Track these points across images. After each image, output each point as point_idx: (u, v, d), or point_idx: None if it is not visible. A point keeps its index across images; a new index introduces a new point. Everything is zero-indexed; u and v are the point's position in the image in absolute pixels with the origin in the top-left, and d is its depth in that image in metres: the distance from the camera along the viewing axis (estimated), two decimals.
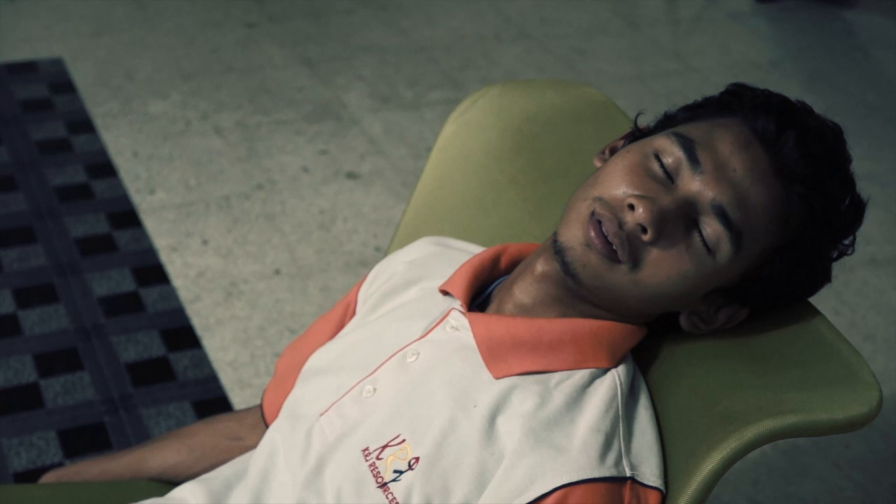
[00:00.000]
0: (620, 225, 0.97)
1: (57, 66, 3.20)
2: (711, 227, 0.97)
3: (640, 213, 0.95)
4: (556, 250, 1.01)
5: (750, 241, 0.98)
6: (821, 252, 1.03)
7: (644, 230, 0.96)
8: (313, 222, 2.62)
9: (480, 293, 1.12)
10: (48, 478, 1.37)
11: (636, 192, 0.98)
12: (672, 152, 0.99)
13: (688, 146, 0.99)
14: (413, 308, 1.12)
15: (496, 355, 1.02)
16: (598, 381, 1.01)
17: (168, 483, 1.27)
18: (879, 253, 2.75)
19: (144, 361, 2.17)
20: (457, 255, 1.19)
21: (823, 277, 1.05)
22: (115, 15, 3.52)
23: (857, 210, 1.03)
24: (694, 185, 0.98)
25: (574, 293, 1.03)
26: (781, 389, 0.98)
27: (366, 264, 2.47)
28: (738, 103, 1.02)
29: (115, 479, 1.32)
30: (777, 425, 0.93)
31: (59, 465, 1.93)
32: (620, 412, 0.99)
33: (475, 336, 1.03)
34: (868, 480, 2.09)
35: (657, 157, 0.99)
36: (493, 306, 1.09)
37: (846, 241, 1.04)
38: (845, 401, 0.94)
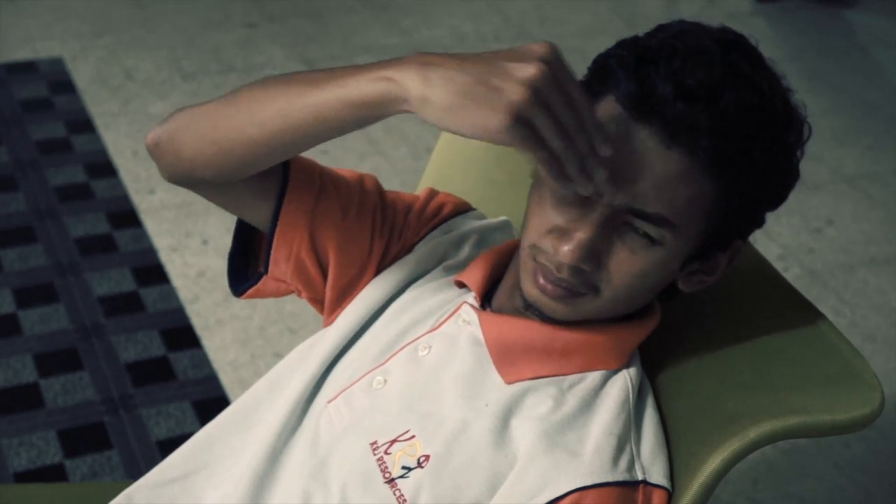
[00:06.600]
0: (559, 268, 0.95)
1: (57, 66, 3.20)
2: (639, 224, 0.93)
3: (567, 254, 0.93)
4: (526, 305, 1.01)
5: (681, 215, 0.93)
6: (773, 169, 0.95)
7: (581, 267, 0.94)
8: None
9: (496, 283, 1.10)
10: None
11: (557, 229, 0.95)
12: None
13: None
14: (428, 297, 1.11)
15: (507, 359, 1.01)
16: (609, 384, 1.01)
17: None
18: (879, 253, 2.74)
19: (144, 361, 2.16)
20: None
21: (792, 178, 0.98)
22: (115, 15, 3.51)
23: (785, 105, 0.96)
24: (600, 199, 0.93)
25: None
26: (783, 390, 0.98)
27: None
28: (612, 79, 0.94)
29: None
30: (778, 426, 0.93)
31: (59, 465, 1.93)
32: (632, 415, 0.99)
33: (485, 338, 1.02)
34: (868, 480, 2.09)
35: None
36: (499, 299, 1.07)
37: (793, 138, 0.95)
38: (847, 401, 0.94)
